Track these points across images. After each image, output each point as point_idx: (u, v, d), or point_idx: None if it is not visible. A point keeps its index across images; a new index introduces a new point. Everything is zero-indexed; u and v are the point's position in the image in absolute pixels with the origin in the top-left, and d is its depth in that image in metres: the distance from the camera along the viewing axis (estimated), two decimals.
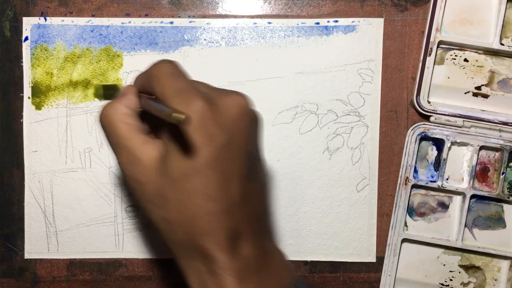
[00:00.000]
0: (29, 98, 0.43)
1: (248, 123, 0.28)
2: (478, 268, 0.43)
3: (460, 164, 0.43)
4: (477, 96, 0.43)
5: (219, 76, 0.43)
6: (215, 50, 0.43)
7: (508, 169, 0.42)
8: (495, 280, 0.43)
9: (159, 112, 0.26)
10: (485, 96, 0.43)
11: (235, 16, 0.43)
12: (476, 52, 0.42)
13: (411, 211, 0.43)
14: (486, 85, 0.43)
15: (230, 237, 0.27)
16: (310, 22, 0.43)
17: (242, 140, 0.28)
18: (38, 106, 0.43)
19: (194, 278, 0.28)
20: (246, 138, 0.28)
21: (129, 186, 0.29)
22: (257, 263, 0.28)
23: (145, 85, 0.30)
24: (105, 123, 0.29)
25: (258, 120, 0.29)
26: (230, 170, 0.27)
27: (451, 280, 0.43)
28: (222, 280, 0.26)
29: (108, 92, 0.42)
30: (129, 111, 0.29)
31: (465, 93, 0.43)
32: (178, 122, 0.24)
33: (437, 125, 0.42)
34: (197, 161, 0.26)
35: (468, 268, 0.43)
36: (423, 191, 0.43)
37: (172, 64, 0.29)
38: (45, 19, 0.43)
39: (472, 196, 0.42)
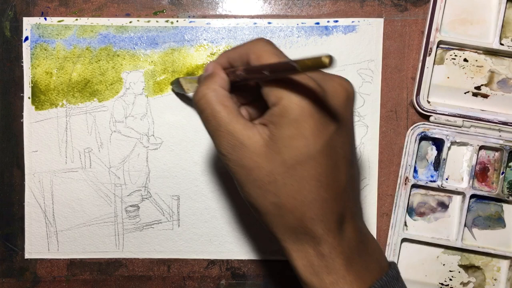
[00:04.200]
0: (29, 98, 0.43)
1: (352, 108, 0.28)
2: (478, 268, 0.43)
3: (459, 164, 0.43)
4: (476, 96, 0.43)
5: None
6: (215, 50, 0.43)
7: (507, 169, 0.43)
8: (495, 280, 0.43)
9: (278, 69, 0.25)
10: (485, 96, 0.43)
11: (235, 16, 0.43)
12: (476, 52, 0.42)
13: (410, 211, 0.43)
14: (485, 85, 0.43)
15: (337, 221, 0.27)
16: (310, 22, 0.43)
17: (349, 125, 0.28)
18: (38, 106, 0.43)
19: (301, 261, 0.28)
20: (351, 123, 0.28)
21: (232, 171, 0.28)
22: (359, 246, 0.29)
23: (236, 63, 0.29)
24: (203, 106, 0.28)
25: (355, 104, 0.29)
26: (339, 156, 0.27)
27: (450, 280, 0.43)
28: (330, 262, 0.27)
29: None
30: (225, 92, 0.28)
31: (465, 93, 0.43)
32: (321, 66, 0.22)
33: (437, 125, 0.42)
34: (311, 148, 0.26)
35: (468, 268, 0.43)
36: (422, 191, 0.43)
37: (271, 43, 0.28)
38: (45, 19, 0.43)
39: (472, 196, 0.42)
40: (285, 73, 0.26)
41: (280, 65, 0.26)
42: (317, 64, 0.22)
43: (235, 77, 0.29)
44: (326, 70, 0.24)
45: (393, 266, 0.30)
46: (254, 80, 0.28)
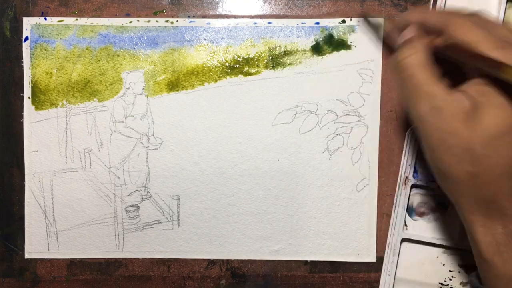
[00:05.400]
0: (29, 98, 0.43)
1: None
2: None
3: None
4: None
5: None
6: (215, 50, 0.43)
7: None
8: None
9: (475, 60, 0.24)
10: None
11: (235, 16, 0.43)
12: None
13: (410, 210, 0.43)
14: None
15: None
16: (310, 22, 0.43)
17: None
18: (38, 106, 0.43)
19: (485, 236, 0.27)
20: None
21: (425, 133, 0.28)
22: None
23: (430, 26, 0.29)
24: (405, 66, 0.28)
25: None
26: None
27: (450, 279, 0.43)
28: None
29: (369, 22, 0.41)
30: (428, 56, 0.28)
31: None
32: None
33: None
34: None
35: (468, 267, 0.43)
36: (422, 191, 0.43)
37: (477, 17, 0.27)
38: (45, 19, 0.43)
39: None
40: (486, 70, 0.25)
41: (484, 60, 0.25)
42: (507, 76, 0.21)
43: (431, 44, 0.29)
44: None
45: None
46: (452, 57, 0.28)
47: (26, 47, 0.43)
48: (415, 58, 0.28)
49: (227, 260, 0.44)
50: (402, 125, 0.43)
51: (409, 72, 0.28)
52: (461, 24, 0.27)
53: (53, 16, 0.43)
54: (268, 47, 0.43)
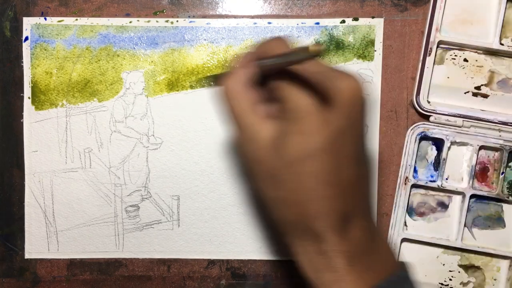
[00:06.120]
0: (29, 98, 0.43)
1: (360, 108, 0.28)
2: (478, 267, 0.43)
3: (459, 164, 0.43)
4: (476, 96, 0.43)
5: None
6: (215, 50, 0.43)
7: (507, 169, 0.43)
8: (495, 280, 0.43)
9: (288, 58, 0.27)
10: (485, 96, 0.43)
11: (235, 16, 0.43)
12: (476, 52, 0.42)
13: (410, 211, 0.43)
14: (485, 85, 0.43)
15: (340, 219, 0.27)
16: (310, 22, 0.43)
17: (356, 125, 0.28)
18: (38, 106, 0.43)
19: (303, 257, 0.28)
20: (359, 122, 0.28)
21: (245, 163, 0.30)
22: (365, 246, 0.28)
23: (257, 56, 0.30)
24: (224, 99, 0.29)
25: (366, 104, 0.29)
26: (343, 154, 0.27)
27: (450, 279, 0.43)
28: (331, 260, 0.27)
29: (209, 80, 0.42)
30: (244, 87, 0.29)
31: (465, 93, 0.43)
32: (315, 54, 0.24)
33: (437, 125, 0.42)
34: (311, 145, 0.26)
35: (468, 267, 0.43)
36: (422, 191, 0.43)
37: (281, 41, 0.29)
38: (45, 19, 0.43)
39: (472, 196, 0.42)
40: (288, 63, 0.27)
41: (293, 52, 0.27)
42: (306, 54, 0.23)
43: (254, 69, 0.30)
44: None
45: (402, 268, 0.30)
46: (269, 70, 0.29)
47: (26, 47, 0.43)
48: (233, 89, 0.29)
49: (227, 260, 0.44)
50: (402, 125, 0.43)
51: (229, 102, 0.29)
52: (270, 46, 0.29)
53: (53, 16, 0.43)
54: None
